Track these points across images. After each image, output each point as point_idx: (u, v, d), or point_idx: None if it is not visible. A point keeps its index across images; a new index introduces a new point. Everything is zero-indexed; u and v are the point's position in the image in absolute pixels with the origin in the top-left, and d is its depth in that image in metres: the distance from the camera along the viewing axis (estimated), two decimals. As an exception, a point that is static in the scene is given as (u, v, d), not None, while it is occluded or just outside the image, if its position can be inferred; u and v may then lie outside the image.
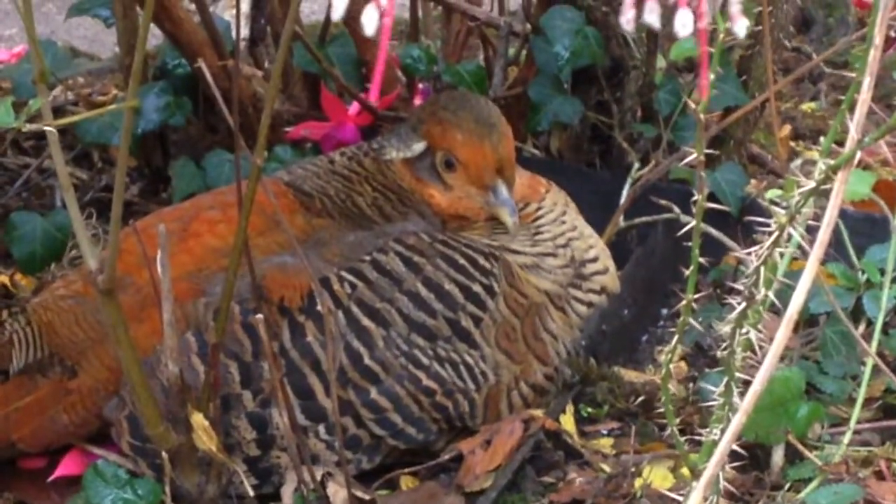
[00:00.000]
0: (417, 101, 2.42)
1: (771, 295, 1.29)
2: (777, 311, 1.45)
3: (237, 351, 1.74)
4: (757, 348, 1.33)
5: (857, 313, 1.97)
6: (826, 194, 1.19)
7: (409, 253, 1.81)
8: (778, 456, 1.76)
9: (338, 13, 1.02)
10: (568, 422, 1.86)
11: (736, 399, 1.35)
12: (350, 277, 1.78)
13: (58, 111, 2.56)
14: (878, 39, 1.14)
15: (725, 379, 1.36)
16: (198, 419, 1.65)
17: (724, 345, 1.34)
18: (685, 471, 1.68)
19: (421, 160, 1.89)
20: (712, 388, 1.48)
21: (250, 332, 1.74)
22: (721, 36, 1.20)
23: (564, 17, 2.25)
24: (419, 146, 1.89)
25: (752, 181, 2.49)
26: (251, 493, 1.75)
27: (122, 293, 1.67)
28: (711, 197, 2.17)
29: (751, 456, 1.73)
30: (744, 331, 1.32)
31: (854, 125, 1.16)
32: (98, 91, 2.99)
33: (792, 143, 2.83)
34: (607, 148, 2.39)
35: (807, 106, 3.06)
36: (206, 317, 1.74)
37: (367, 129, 2.27)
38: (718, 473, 1.33)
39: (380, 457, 1.81)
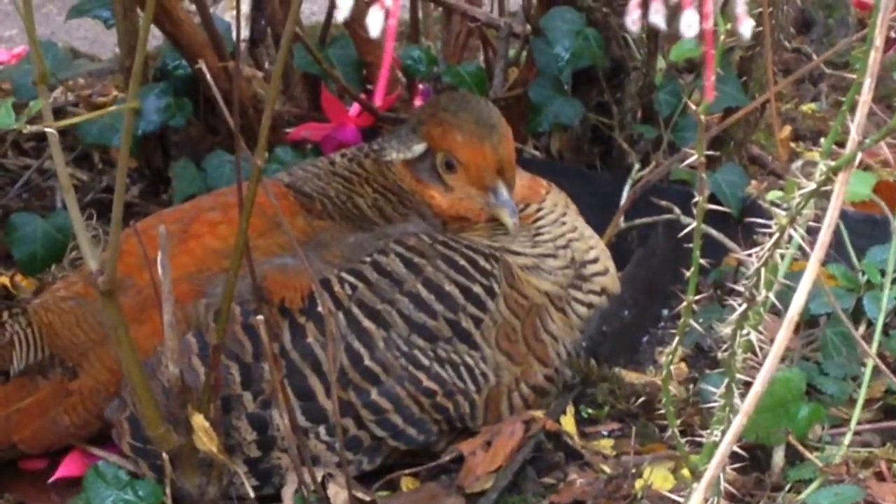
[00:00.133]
0: (418, 102, 2.42)
1: (771, 296, 1.29)
2: (778, 313, 1.45)
3: (238, 352, 1.74)
4: (757, 349, 1.32)
5: (857, 314, 1.97)
6: (827, 195, 1.18)
7: (410, 254, 1.81)
8: (778, 457, 1.76)
9: (342, 14, 1.01)
10: (568, 423, 1.86)
11: (737, 400, 1.35)
12: (350, 279, 1.78)
13: (58, 112, 2.56)
14: (878, 40, 1.14)
15: (726, 380, 1.35)
16: (198, 420, 1.65)
17: (725, 346, 1.34)
18: (686, 472, 1.68)
19: (421, 161, 1.89)
20: (713, 390, 1.48)
21: (251, 334, 1.74)
22: (722, 37, 1.20)
23: (565, 19, 2.25)
24: (419, 147, 1.89)
25: (753, 182, 2.49)
26: (252, 494, 1.75)
27: (123, 294, 1.67)
28: (712, 198, 2.17)
29: (751, 457, 1.73)
30: (744, 332, 1.32)
31: (855, 126, 1.16)
32: (98, 92, 2.98)
33: (792, 145, 2.83)
34: (608, 149, 2.38)
35: (807, 107, 3.05)
36: (207, 318, 1.74)
37: (367, 130, 2.27)
38: (719, 474, 1.33)
39: (380, 458, 1.81)
